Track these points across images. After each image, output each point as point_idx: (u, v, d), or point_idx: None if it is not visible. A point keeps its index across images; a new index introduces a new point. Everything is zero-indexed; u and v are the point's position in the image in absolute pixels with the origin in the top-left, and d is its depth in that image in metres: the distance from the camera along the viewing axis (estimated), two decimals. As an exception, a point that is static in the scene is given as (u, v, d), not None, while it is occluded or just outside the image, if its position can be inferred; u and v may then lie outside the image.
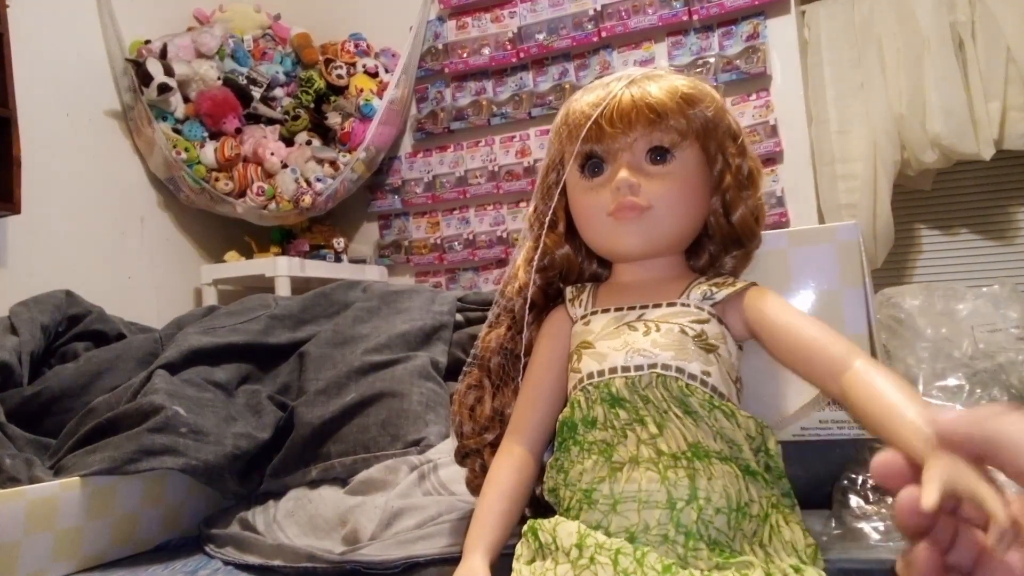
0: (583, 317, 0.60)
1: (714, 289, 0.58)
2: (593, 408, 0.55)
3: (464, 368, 0.67)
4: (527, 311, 0.63)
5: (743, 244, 0.62)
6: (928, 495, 0.33)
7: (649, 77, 0.59)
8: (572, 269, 0.64)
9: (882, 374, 0.48)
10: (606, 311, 0.59)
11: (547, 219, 0.62)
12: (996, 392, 0.68)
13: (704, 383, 0.54)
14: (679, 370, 0.54)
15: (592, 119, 0.58)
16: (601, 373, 0.55)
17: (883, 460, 0.36)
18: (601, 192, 0.58)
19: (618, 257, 0.62)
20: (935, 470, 0.34)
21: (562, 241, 0.63)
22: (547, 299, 0.65)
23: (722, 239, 0.62)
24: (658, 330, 0.56)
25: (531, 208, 0.65)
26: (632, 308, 0.58)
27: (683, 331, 0.55)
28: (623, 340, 0.56)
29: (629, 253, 0.60)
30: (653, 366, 0.54)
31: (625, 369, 0.54)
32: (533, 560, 0.52)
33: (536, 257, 0.63)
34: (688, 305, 0.57)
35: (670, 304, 0.58)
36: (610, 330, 0.57)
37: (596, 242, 0.61)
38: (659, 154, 0.58)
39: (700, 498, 0.48)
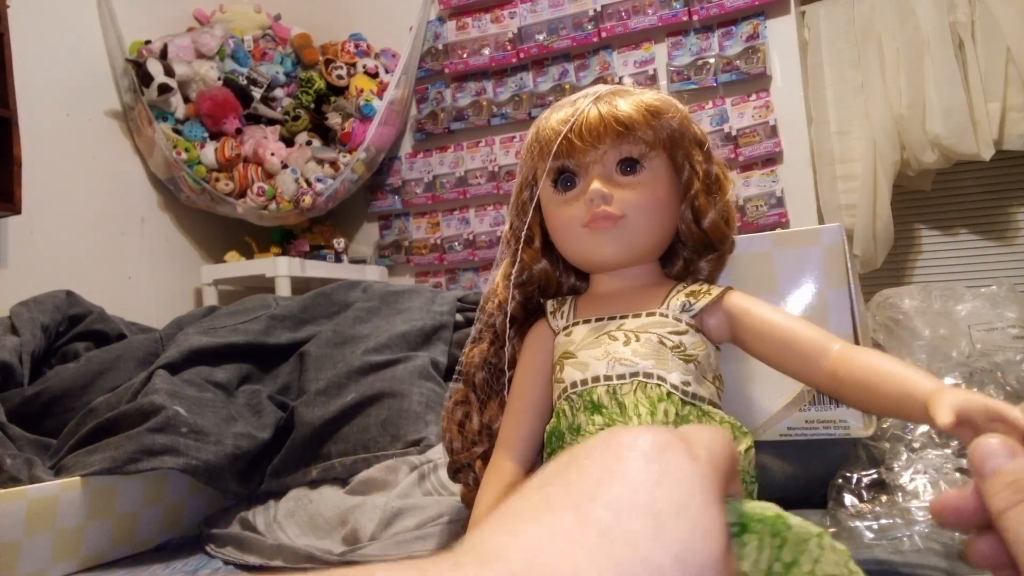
0: (565, 328, 0.61)
1: (692, 300, 0.59)
2: (577, 416, 0.56)
3: (450, 384, 0.68)
4: (508, 326, 0.64)
5: (716, 248, 0.64)
6: (943, 416, 0.41)
7: (615, 92, 0.61)
8: (550, 283, 0.66)
9: (866, 350, 0.53)
10: (587, 321, 0.61)
11: (523, 235, 0.64)
12: (992, 391, 0.68)
13: (684, 392, 0.55)
14: (660, 378, 0.55)
15: (563, 135, 0.59)
16: (584, 382, 0.56)
17: (941, 498, 0.38)
18: (575, 205, 0.60)
19: (594, 267, 0.63)
20: (945, 398, 0.42)
21: (539, 256, 0.65)
22: (527, 313, 0.66)
23: (695, 245, 0.63)
24: (637, 340, 0.57)
25: (507, 226, 0.67)
26: (612, 318, 0.60)
27: (661, 341, 0.56)
28: (604, 350, 0.57)
29: (605, 262, 0.61)
30: (635, 374, 0.55)
31: (608, 378, 0.56)
32: None
33: (514, 273, 0.64)
34: (667, 316, 0.58)
35: (649, 314, 0.59)
36: (590, 340, 0.58)
37: (572, 254, 0.63)
38: (629, 165, 0.60)
39: None
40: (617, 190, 0.59)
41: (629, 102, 0.60)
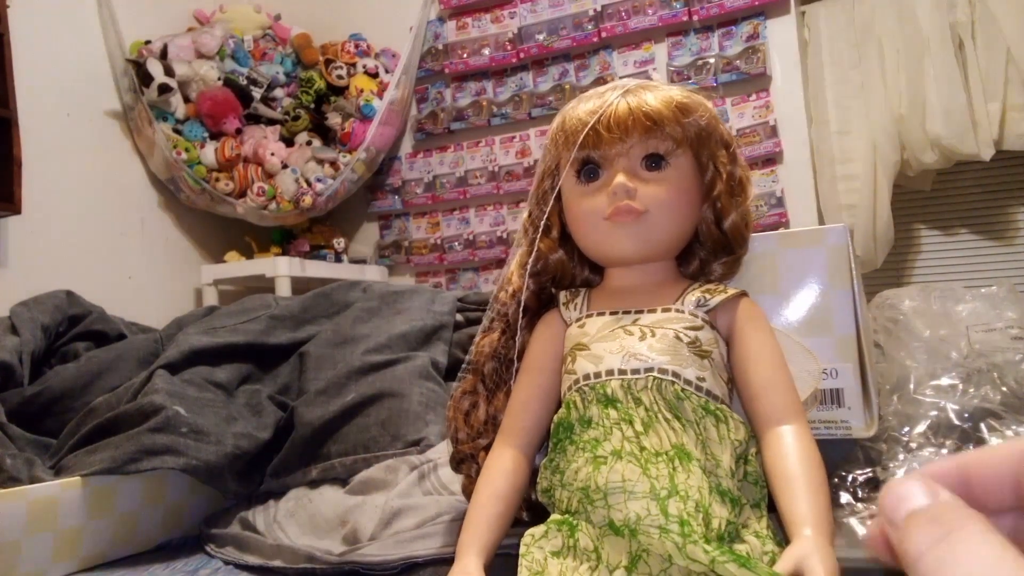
0: (578, 320, 0.61)
1: (707, 296, 0.59)
2: (589, 408, 0.56)
3: (459, 374, 0.67)
4: (520, 315, 0.64)
5: (733, 251, 0.63)
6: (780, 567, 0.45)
7: (644, 87, 0.61)
8: (565, 274, 0.65)
9: (800, 448, 0.53)
10: (601, 314, 0.60)
11: (542, 224, 0.63)
12: (988, 391, 0.68)
13: (699, 388, 0.55)
14: (675, 375, 0.54)
15: (590, 125, 0.59)
16: (598, 375, 0.56)
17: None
18: (597, 197, 0.60)
19: (612, 261, 0.63)
20: (790, 556, 0.46)
21: (556, 246, 0.64)
22: (540, 304, 0.66)
23: (713, 246, 0.63)
24: (653, 335, 0.57)
25: (526, 214, 0.66)
26: (628, 312, 0.59)
27: (678, 337, 0.56)
28: (619, 343, 0.57)
29: (623, 256, 0.61)
30: (650, 370, 0.55)
31: (622, 372, 0.55)
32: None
33: (530, 261, 0.64)
34: (683, 311, 0.58)
35: (665, 309, 0.59)
36: (605, 333, 0.58)
37: (591, 246, 0.62)
38: (654, 161, 0.59)
39: (680, 491, 0.49)
40: (641, 185, 0.58)
41: (658, 97, 0.59)
